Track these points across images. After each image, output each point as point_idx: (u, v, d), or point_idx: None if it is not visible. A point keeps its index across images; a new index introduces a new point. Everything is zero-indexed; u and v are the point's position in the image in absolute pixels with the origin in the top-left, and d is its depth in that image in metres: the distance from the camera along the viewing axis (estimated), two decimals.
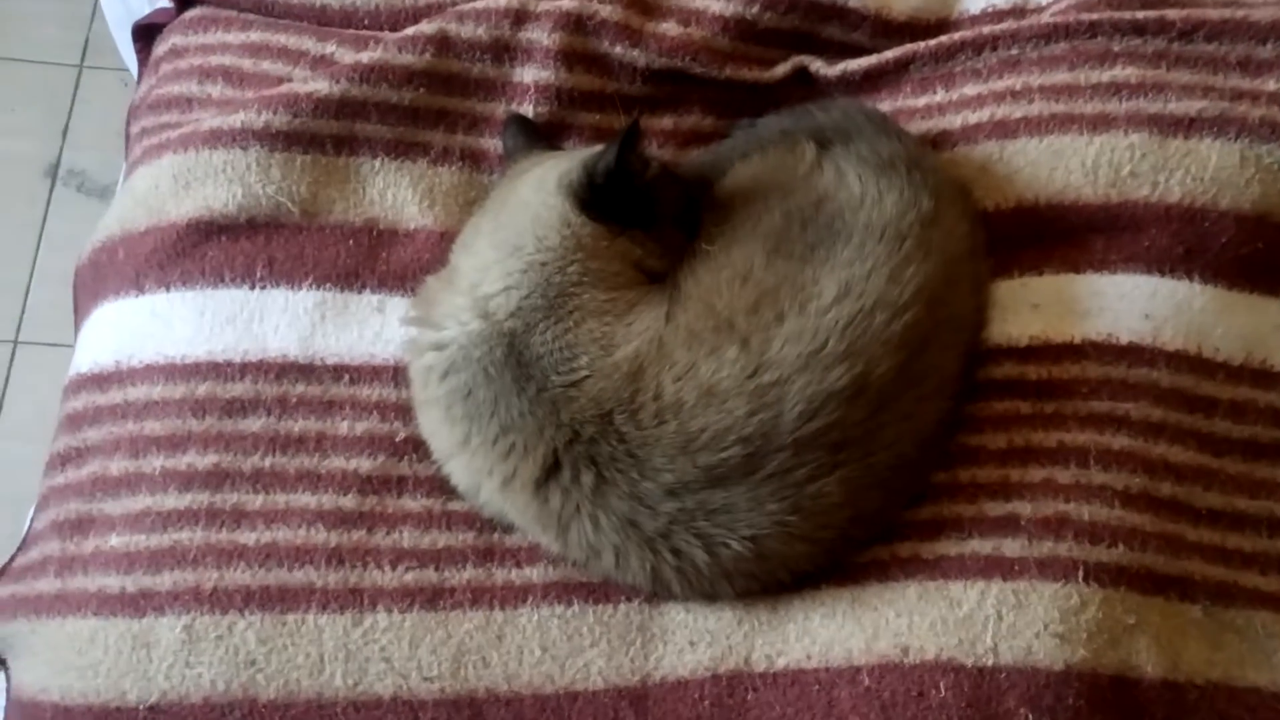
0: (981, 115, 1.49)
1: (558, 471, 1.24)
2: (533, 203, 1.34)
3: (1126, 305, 1.37)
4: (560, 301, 1.29)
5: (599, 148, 1.33)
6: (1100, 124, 1.42)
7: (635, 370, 1.24)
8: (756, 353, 1.22)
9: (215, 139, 1.51)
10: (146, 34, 1.77)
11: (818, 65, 1.59)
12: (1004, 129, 1.47)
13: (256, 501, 1.36)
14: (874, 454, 1.23)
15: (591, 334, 1.27)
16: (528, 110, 1.56)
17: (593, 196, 1.31)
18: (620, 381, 1.24)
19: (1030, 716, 1.17)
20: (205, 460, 1.38)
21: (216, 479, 1.36)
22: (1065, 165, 1.42)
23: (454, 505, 1.37)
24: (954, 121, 1.51)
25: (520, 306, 1.28)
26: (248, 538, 1.33)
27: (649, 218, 1.34)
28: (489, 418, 1.27)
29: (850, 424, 1.21)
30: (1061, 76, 1.47)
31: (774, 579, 1.26)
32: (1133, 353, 1.35)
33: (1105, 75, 1.46)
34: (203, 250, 1.48)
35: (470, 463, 1.30)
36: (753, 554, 1.22)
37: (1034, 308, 1.38)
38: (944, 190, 1.38)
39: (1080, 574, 1.23)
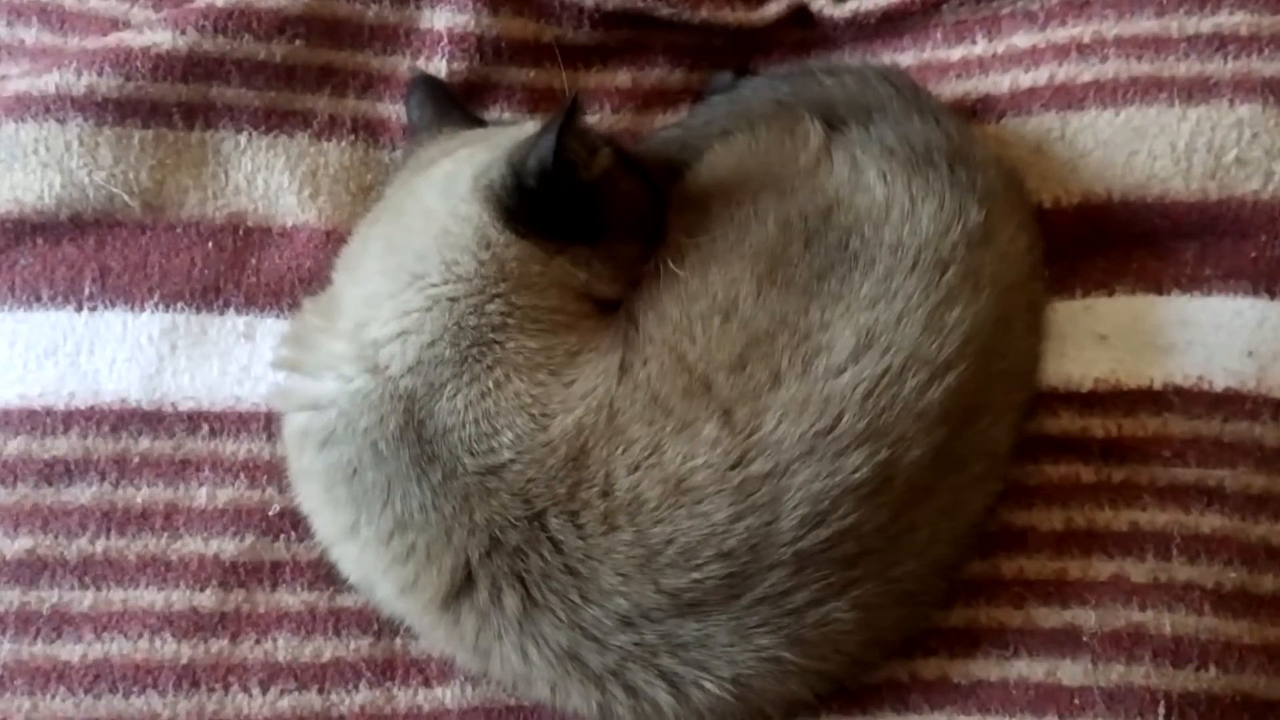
0: (1037, 76, 1.30)
1: (471, 589, 1.06)
2: (439, 213, 1.14)
3: (1224, 338, 1.21)
4: (476, 353, 1.08)
5: (529, 128, 1.16)
6: (1198, 92, 1.24)
7: (577, 453, 1.06)
8: (743, 431, 1.04)
9: (23, 107, 1.30)
10: None
11: (821, 2, 1.40)
12: (1067, 96, 1.28)
13: (84, 601, 1.21)
14: (899, 563, 1.07)
15: (518, 399, 1.07)
16: (439, 68, 1.38)
17: (522, 205, 1.11)
18: (557, 469, 1.05)
19: None
20: (16, 544, 1.22)
21: (31, 570, 1.21)
22: (1148, 148, 1.24)
23: (344, 600, 1.22)
24: (999, 83, 1.32)
25: (421, 359, 1.08)
26: (71, 652, 1.19)
27: (596, 227, 1.15)
28: (380, 508, 1.07)
29: (869, 530, 1.04)
30: (1146, 24, 1.28)
31: (760, 718, 1.11)
32: (1230, 402, 1.19)
33: (1206, 24, 1.26)
34: (11, 258, 1.30)
35: (360, 556, 1.12)
36: (734, 696, 1.06)
37: (1101, 339, 1.23)
38: (997, 193, 1.19)
39: (1161, 709, 1.09)
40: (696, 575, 1.02)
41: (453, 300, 1.09)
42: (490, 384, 1.07)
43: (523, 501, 1.04)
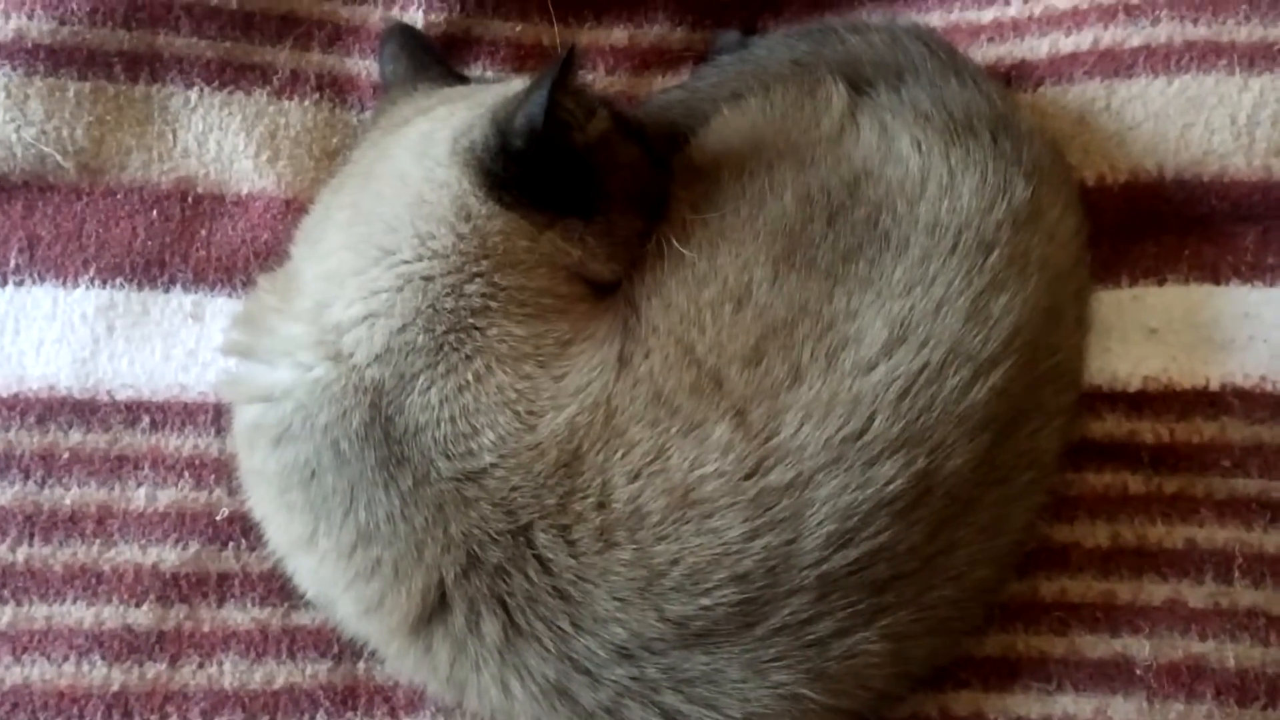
0: (1080, 40, 1.24)
1: (445, 613, 0.98)
2: (414, 177, 1.06)
3: None
4: (453, 340, 1.01)
5: (516, 86, 1.10)
6: (1261, 59, 1.19)
7: (569, 457, 0.99)
8: (760, 434, 0.97)
9: None
10: None
11: None
12: (1114, 62, 1.23)
13: (2, 618, 1.15)
14: (935, 588, 1.00)
15: (501, 394, 1.00)
16: (415, 18, 1.33)
17: (507, 170, 1.04)
18: (545, 476, 0.98)
19: None
20: None
21: None
22: (1205, 120, 1.19)
23: (300, 618, 1.15)
24: (1037, 48, 1.26)
25: (390, 347, 1.01)
26: None
27: (591, 198, 1.08)
28: (341, 517, 1.00)
29: (904, 551, 0.97)
30: None
31: None
32: None
33: None
34: None
35: (318, 570, 1.04)
36: None
37: (1151, 334, 1.18)
38: (1044, 168, 1.13)
39: None
40: (706, 601, 0.95)
41: (427, 279, 1.02)
42: (469, 376, 1.00)
43: (506, 513, 0.97)
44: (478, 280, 1.02)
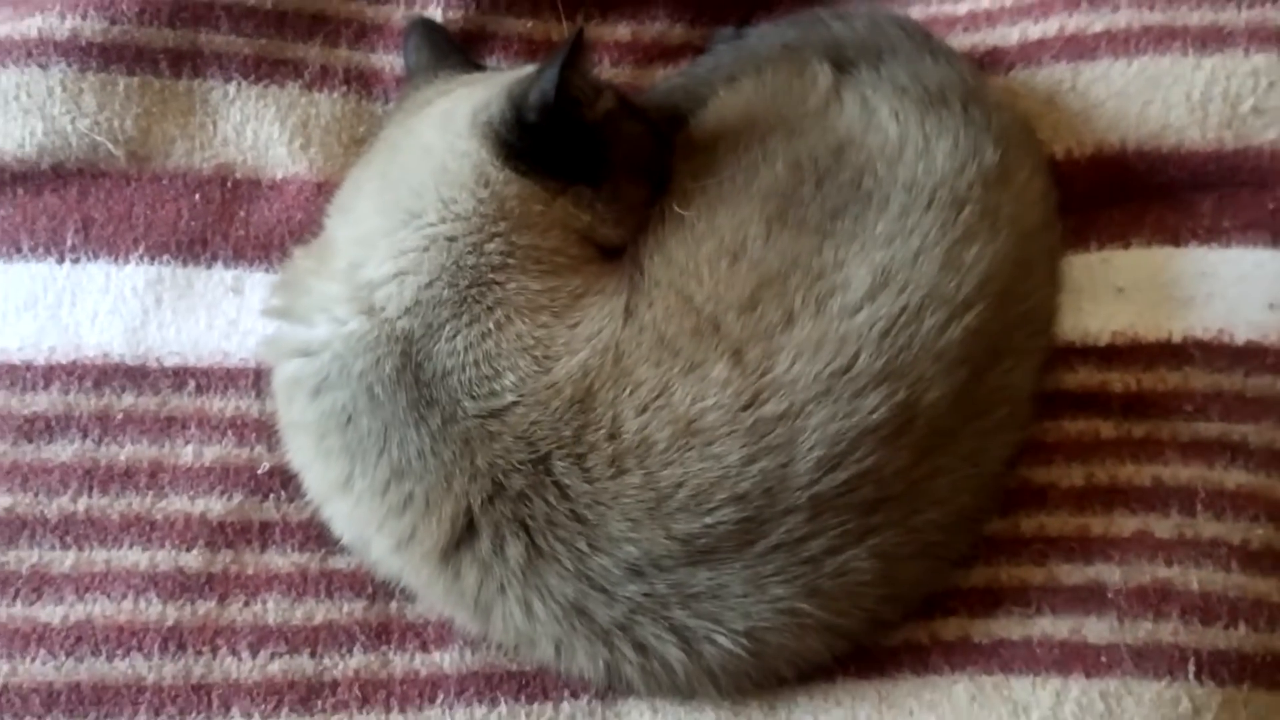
0: (1047, 27, 1.28)
1: (473, 538, 1.02)
2: (437, 149, 1.10)
3: (1245, 290, 1.19)
4: (475, 294, 1.05)
5: (528, 69, 1.13)
6: (1212, 41, 1.22)
7: (582, 395, 1.02)
8: (755, 371, 1.01)
9: (4, 53, 1.28)
10: None
11: None
12: (1079, 47, 1.26)
13: (65, 561, 1.16)
14: (921, 511, 1.03)
15: (520, 340, 1.04)
16: (434, 15, 1.36)
17: (522, 141, 1.08)
18: (561, 411, 1.02)
19: None
20: None
21: (10, 529, 1.17)
22: (1163, 97, 1.23)
23: (336, 562, 1.17)
24: (1008, 35, 1.30)
25: (419, 300, 1.05)
26: (52, 614, 1.14)
27: (599, 169, 1.12)
28: (376, 456, 1.04)
29: (889, 474, 1.01)
30: None
31: (774, 677, 1.07)
32: (1252, 356, 1.17)
33: None
34: None
35: (354, 512, 1.08)
36: (748, 651, 1.02)
37: (1118, 293, 1.21)
38: (1012, 134, 1.17)
39: (1191, 668, 1.06)
40: (709, 520, 0.99)
41: (450, 239, 1.06)
42: (491, 325, 1.04)
43: (526, 445, 1.01)
44: (497, 240, 1.06)
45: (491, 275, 1.05)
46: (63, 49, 1.27)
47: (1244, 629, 1.07)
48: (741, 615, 1.00)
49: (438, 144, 1.10)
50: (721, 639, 1.00)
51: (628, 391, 1.02)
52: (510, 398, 1.02)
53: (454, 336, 1.03)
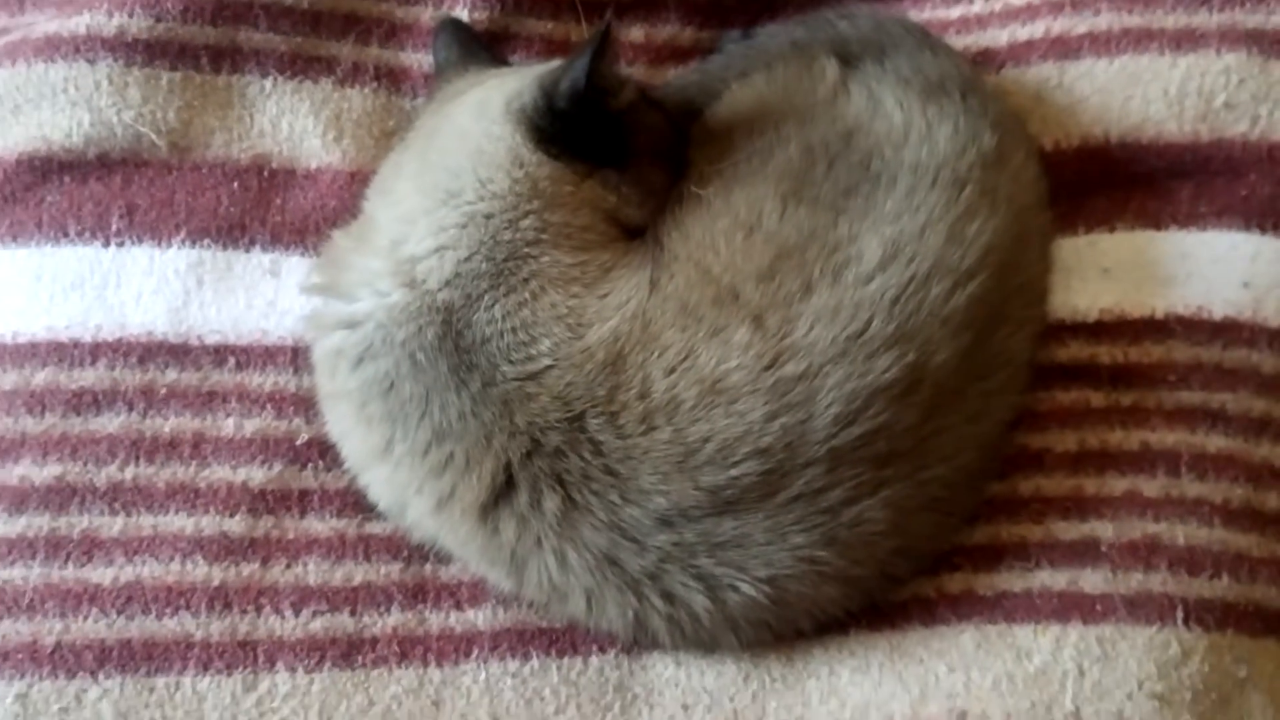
0: (1034, 30, 1.32)
1: (511, 493, 1.05)
2: (473, 133, 1.13)
3: (1221, 270, 1.22)
4: (512, 266, 1.09)
5: (557, 63, 1.15)
6: (1186, 42, 1.26)
7: (614, 358, 1.06)
8: (775, 335, 1.04)
9: (52, 48, 1.30)
10: None
11: None
12: (1064, 47, 1.30)
13: (114, 526, 1.17)
14: (929, 467, 1.07)
15: (554, 309, 1.08)
16: (462, 15, 1.38)
17: (553, 126, 1.11)
18: (594, 373, 1.05)
19: None
20: (45, 472, 1.18)
21: (60, 497, 1.18)
22: (1143, 93, 1.26)
23: (373, 527, 1.19)
24: (998, 37, 1.33)
25: (458, 273, 1.08)
26: (103, 575, 1.15)
27: (624, 153, 1.15)
28: (418, 420, 1.07)
29: (900, 429, 1.04)
30: None
31: (793, 628, 1.10)
32: (1229, 330, 1.20)
33: None
34: (39, 195, 1.28)
35: (393, 476, 1.10)
36: (770, 599, 1.05)
37: (1105, 273, 1.23)
38: (1007, 123, 1.21)
39: (1179, 615, 1.09)
40: (734, 472, 1.02)
41: (488, 216, 1.09)
42: (527, 295, 1.07)
43: (562, 404, 1.04)
44: (530, 217, 1.09)
45: (526, 250, 1.09)
46: (109, 45, 1.29)
47: (1227, 580, 1.11)
48: (764, 563, 1.03)
49: (473, 129, 1.13)
50: (745, 586, 1.03)
51: (656, 354, 1.05)
52: (546, 361, 1.05)
53: (492, 306, 1.07)
